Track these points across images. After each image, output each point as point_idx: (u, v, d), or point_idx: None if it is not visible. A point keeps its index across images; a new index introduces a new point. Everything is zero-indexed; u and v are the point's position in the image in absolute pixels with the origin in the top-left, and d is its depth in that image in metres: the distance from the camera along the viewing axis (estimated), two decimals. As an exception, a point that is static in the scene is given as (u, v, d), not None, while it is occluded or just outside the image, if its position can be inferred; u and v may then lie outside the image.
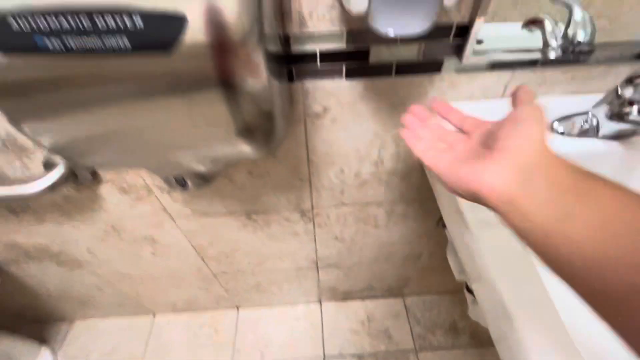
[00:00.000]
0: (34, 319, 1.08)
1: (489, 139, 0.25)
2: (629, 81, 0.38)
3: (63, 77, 0.25)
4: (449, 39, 0.40)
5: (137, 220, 0.67)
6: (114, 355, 1.04)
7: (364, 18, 0.30)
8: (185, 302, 1.06)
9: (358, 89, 0.45)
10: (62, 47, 0.22)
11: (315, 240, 0.78)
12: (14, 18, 0.21)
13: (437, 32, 0.39)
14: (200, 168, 0.39)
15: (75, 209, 0.63)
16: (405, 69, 0.43)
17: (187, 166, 0.36)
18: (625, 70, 0.45)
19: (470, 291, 0.68)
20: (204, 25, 0.23)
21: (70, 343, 1.08)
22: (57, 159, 0.51)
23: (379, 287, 1.07)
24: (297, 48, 0.40)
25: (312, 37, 0.39)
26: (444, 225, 0.74)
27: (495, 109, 0.47)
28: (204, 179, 0.39)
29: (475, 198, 0.24)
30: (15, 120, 0.29)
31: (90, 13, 0.22)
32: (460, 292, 1.11)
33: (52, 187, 0.51)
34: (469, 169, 0.24)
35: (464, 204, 0.41)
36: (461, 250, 0.45)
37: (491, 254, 0.36)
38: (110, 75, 0.25)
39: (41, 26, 0.22)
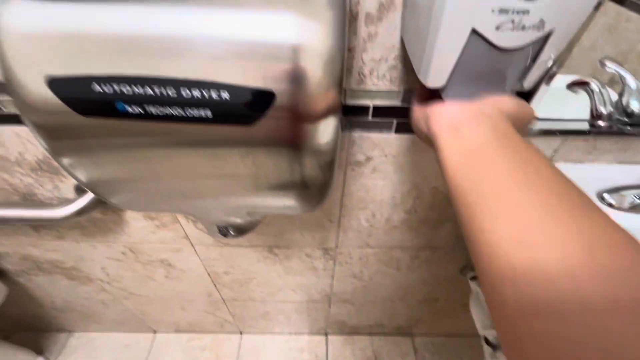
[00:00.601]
0: (33, 327, 1.06)
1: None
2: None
3: (132, 137, 0.24)
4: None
5: (157, 244, 0.66)
6: (110, 373, 1.01)
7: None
8: (189, 323, 1.03)
9: (404, 143, 0.44)
10: (143, 113, 0.22)
11: (333, 277, 0.76)
12: (98, 83, 0.21)
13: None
14: (248, 219, 0.38)
15: (97, 229, 0.62)
16: (456, 128, 0.42)
17: (226, 218, 0.35)
18: (679, 146, 0.44)
19: (489, 344, 0.65)
20: (289, 96, 0.22)
21: (67, 355, 1.04)
22: (90, 183, 0.50)
23: (389, 325, 1.03)
24: (352, 101, 0.39)
25: (368, 93, 0.39)
26: (466, 275, 0.72)
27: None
28: (240, 231, 0.38)
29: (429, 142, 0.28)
30: (56, 154, 0.27)
31: (177, 84, 0.21)
32: (469, 336, 1.07)
33: (81, 213, 0.50)
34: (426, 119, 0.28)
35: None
36: None
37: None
38: (182, 139, 0.24)
39: (125, 93, 0.21)
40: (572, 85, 0.45)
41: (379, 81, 0.37)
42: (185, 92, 0.21)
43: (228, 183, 0.30)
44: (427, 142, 0.30)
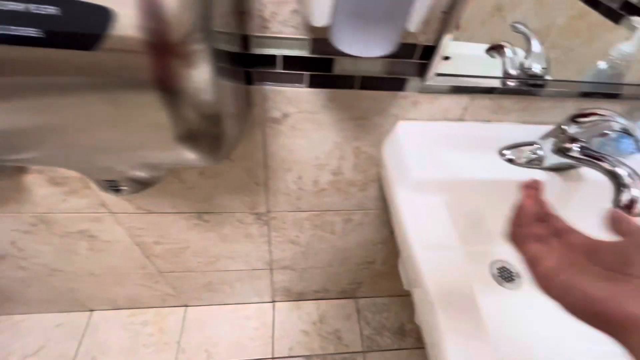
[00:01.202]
0: (-55, 313, 0.96)
1: (616, 262, 0.22)
2: (572, 119, 0.40)
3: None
4: (414, 58, 0.40)
5: (72, 214, 0.61)
6: (39, 355, 0.95)
7: (326, 31, 0.28)
8: (127, 299, 0.99)
9: (320, 99, 0.44)
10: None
11: (269, 243, 0.76)
12: None
13: (404, 50, 0.39)
14: (138, 173, 0.35)
15: (-6, 198, 0.55)
16: (369, 83, 0.42)
17: (120, 171, 0.32)
18: (572, 106, 0.47)
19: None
20: (138, 20, 0.20)
21: (-12, 341, 0.96)
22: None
23: (333, 290, 1.07)
24: (258, 50, 0.37)
25: (274, 41, 0.37)
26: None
27: (454, 132, 0.48)
28: (142, 184, 0.36)
29: (597, 320, 0.21)
30: None
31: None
32: (408, 295, 1.15)
33: (-39, 175, 0.44)
34: (604, 292, 0.21)
35: (409, 223, 0.41)
36: (406, 264, 0.45)
37: (428, 268, 0.37)
38: (24, 67, 0.21)
39: None
40: (490, 50, 0.46)
41: (283, 28, 0.35)
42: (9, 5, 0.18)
43: (95, 129, 0.27)
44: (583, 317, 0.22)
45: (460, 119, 0.48)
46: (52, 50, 0.20)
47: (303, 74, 0.40)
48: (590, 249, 0.24)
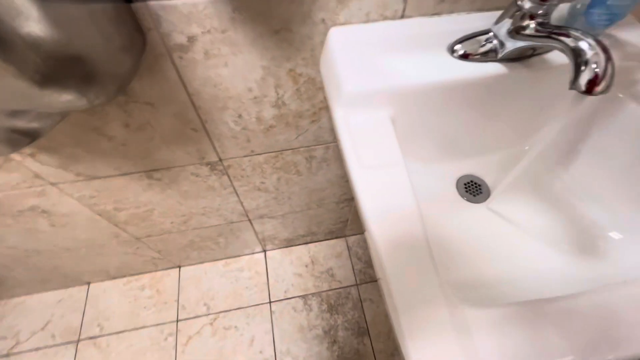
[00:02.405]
0: (-55, 305, 0.98)
1: None
2: (527, -12, 0.33)
3: None
4: None
5: (10, 192, 0.57)
6: (47, 329, 1.00)
7: None
8: (118, 268, 1.00)
9: (224, 10, 0.36)
10: None
11: (236, 193, 0.73)
12: None
13: None
14: (17, 123, 0.30)
15: None
16: (277, -21, 0.34)
17: None
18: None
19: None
20: None
21: (-4, 323, 1.00)
22: None
23: (320, 232, 1.07)
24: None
25: None
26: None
27: (395, 33, 0.41)
28: (26, 135, 0.31)
29: None
30: None
31: None
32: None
33: None
34: None
35: (347, 143, 0.36)
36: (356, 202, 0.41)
37: (365, 190, 0.33)
38: None
39: None
40: None
41: None
42: None
43: None
44: None
45: (402, 16, 0.41)
46: None
47: (190, -23, 0.32)
48: None
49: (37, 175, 0.54)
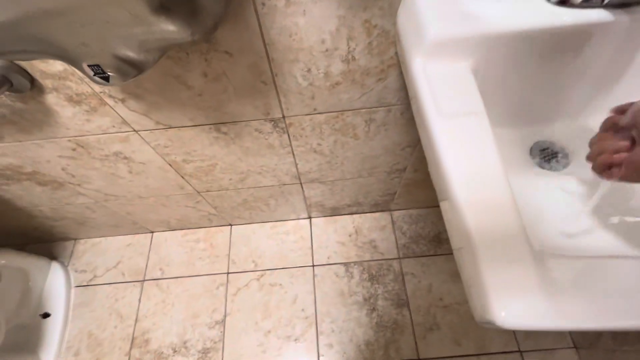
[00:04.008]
0: (40, 239, 1.15)
1: None
2: None
3: None
4: None
5: (101, 135, 0.64)
6: (118, 267, 1.13)
7: None
8: (179, 221, 1.09)
9: (312, -48, 0.36)
10: None
11: (293, 154, 0.75)
12: None
13: None
14: (124, 52, 0.33)
15: (29, 123, 0.59)
16: None
17: (105, 49, 0.31)
18: None
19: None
20: None
21: (77, 258, 1.16)
22: (-17, 62, 0.46)
23: (366, 203, 1.08)
24: None
25: None
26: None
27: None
28: (133, 66, 0.34)
29: None
30: None
31: None
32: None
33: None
34: None
35: (424, 93, 0.36)
36: (428, 159, 0.40)
37: (454, 161, 0.33)
38: None
39: None
40: None
41: None
42: None
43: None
44: None
45: (494, -42, 0.38)
46: None
47: None
48: None
49: (124, 121, 0.60)
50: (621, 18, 0.35)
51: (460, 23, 0.36)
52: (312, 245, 1.12)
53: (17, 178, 0.77)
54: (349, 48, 0.49)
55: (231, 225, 1.17)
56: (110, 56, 0.32)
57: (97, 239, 1.18)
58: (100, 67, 0.32)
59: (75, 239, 1.19)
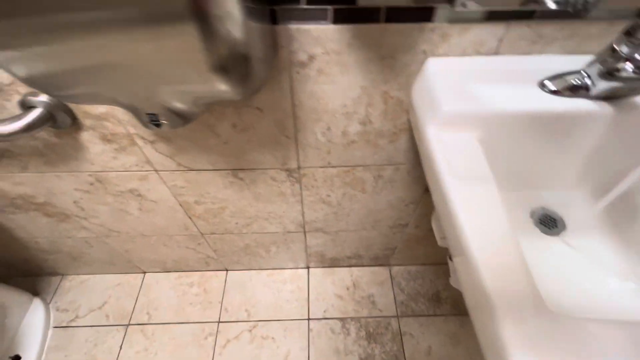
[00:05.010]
0: (27, 272, 1.10)
1: None
2: (628, 34, 0.37)
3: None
4: (442, -18, 0.38)
5: (122, 172, 0.66)
6: (103, 308, 1.07)
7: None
8: (175, 262, 1.07)
9: (345, 36, 0.43)
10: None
11: (302, 202, 0.78)
12: None
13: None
14: (178, 105, 0.38)
15: (57, 157, 0.62)
16: (395, 15, 0.41)
17: (161, 101, 0.35)
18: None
19: (452, 259, 0.69)
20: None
21: (61, 296, 1.10)
22: (35, 100, 0.50)
23: (367, 256, 1.08)
24: (281, -16, 0.38)
25: (296, -28, 0.37)
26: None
27: (489, 67, 0.45)
28: (182, 117, 0.38)
29: None
30: None
31: None
32: (444, 264, 1.13)
33: (29, 128, 0.49)
34: None
35: (439, 157, 0.40)
36: (441, 216, 0.44)
37: (460, 200, 0.36)
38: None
39: None
40: None
41: (304, -44, 0.35)
42: None
43: (141, 59, 0.29)
44: None
45: (496, 53, 0.46)
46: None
47: (327, 8, 0.40)
48: None
49: (148, 161, 0.64)
50: (606, 109, 0.41)
51: (468, 102, 0.42)
52: (308, 297, 1.09)
53: (26, 208, 0.77)
54: (367, 112, 0.54)
55: (227, 270, 1.15)
56: (166, 107, 0.36)
57: (86, 276, 1.14)
58: (156, 115, 0.36)
59: (62, 275, 1.14)
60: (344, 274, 1.14)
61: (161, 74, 0.33)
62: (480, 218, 0.35)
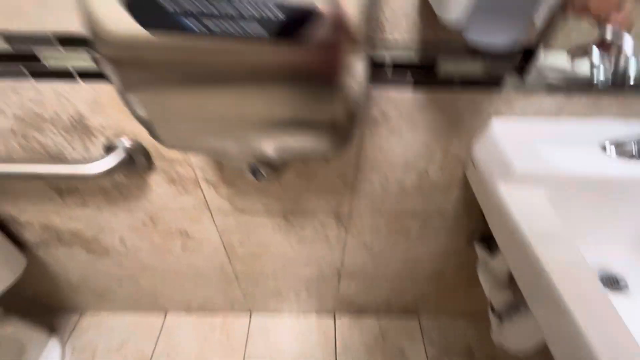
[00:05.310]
0: (47, 307, 1.07)
1: None
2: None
3: (186, 58, 0.27)
4: (513, 59, 0.43)
5: (177, 212, 0.68)
6: (121, 351, 1.03)
7: (454, 26, 0.32)
8: (200, 302, 1.05)
9: (420, 101, 0.47)
10: (205, 29, 0.25)
11: (344, 248, 0.79)
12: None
13: (503, 52, 0.42)
14: (277, 156, 0.40)
15: (120, 196, 0.64)
16: (469, 84, 0.45)
17: (264, 152, 0.38)
18: (676, 102, 0.47)
19: (494, 312, 0.68)
20: (331, 22, 0.25)
21: (78, 335, 1.06)
22: (119, 144, 0.53)
23: (396, 304, 1.05)
24: (372, 52, 0.42)
25: (386, 44, 0.42)
26: (473, 243, 0.75)
27: (551, 128, 0.49)
28: (274, 169, 0.41)
29: None
30: (126, 88, 0.30)
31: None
32: (475, 315, 1.09)
33: (112, 171, 0.52)
34: None
35: (516, 214, 0.42)
36: (520, 273, 0.45)
37: (548, 261, 0.37)
38: (239, 61, 0.27)
39: (186, 8, 0.24)
40: (573, 51, 0.48)
41: (395, 31, 0.40)
42: (239, 6, 0.24)
43: (267, 113, 0.33)
44: None
45: (556, 115, 0.49)
46: (268, 46, 0.26)
47: (408, 76, 0.45)
48: None
49: (205, 203, 0.66)
50: (668, 174, 0.44)
51: (537, 162, 0.45)
52: (335, 348, 1.04)
53: (71, 243, 0.78)
54: (426, 166, 0.57)
55: (251, 312, 1.11)
56: (266, 162, 0.39)
57: (106, 314, 1.10)
58: (258, 167, 0.39)
59: (82, 311, 1.11)
60: (371, 323, 1.10)
61: (278, 125, 0.36)
62: (569, 274, 0.36)
